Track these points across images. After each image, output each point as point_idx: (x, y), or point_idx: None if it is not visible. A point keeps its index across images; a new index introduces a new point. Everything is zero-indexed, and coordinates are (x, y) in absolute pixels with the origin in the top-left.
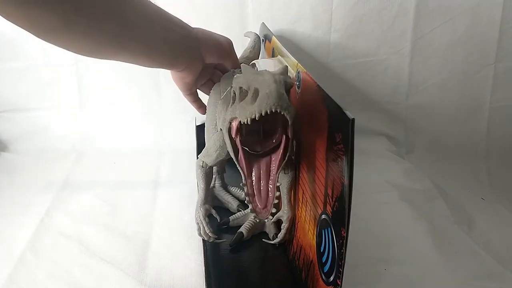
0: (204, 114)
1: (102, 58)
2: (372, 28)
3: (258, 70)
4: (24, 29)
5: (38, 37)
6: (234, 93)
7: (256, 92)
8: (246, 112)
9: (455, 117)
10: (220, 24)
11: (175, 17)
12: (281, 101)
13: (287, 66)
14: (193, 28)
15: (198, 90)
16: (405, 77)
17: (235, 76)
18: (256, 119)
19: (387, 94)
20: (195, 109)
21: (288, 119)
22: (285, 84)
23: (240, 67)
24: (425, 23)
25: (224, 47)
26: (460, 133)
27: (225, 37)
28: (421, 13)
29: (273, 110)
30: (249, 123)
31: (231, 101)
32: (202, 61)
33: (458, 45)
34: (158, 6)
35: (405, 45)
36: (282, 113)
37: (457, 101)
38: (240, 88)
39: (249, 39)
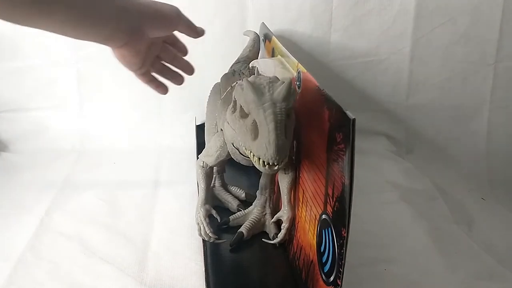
0: (165, 93)
1: (19, 24)
2: (372, 28)
3: (259, 72)
4: None
5: None
6: (235, 100)
7: (255, 127)
8: (245, 144)
9: (455, 117)
10: (220, 24)
11: None
12: (279, 154)
13: (290, 82)
14: None
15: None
16: (405, 77)
17: (236, 85)
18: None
19: (387, 94)
20: (154, 90)
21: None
22: (286, 111)
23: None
24: (425, 23)
25: (168, 18)
26: (460, 133)
27: (170, 5)
28: (421, 13)
29: (270, 163)
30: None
31: (231, 104)
32: (145, 36)
33: (458, 45)
34: None
35: (405, 45)
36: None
37: (457, 101)
38: (240, 106)
39: (249, 38)
